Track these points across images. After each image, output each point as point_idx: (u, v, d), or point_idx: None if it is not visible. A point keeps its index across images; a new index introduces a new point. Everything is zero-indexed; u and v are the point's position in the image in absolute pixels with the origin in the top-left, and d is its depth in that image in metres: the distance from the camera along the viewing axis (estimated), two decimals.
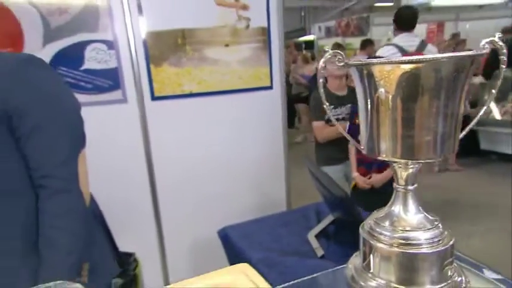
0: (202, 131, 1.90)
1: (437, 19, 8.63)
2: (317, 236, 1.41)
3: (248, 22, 1.84)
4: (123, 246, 1.17)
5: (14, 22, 1.47)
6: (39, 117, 0.80)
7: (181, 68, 1.77)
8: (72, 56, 1.58)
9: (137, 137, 1.75)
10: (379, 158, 0.44)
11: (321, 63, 0.43)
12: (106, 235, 1.08)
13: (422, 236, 0.45)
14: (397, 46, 2.38)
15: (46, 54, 1.52)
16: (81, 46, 1.58)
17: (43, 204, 0.81)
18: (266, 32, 1.90)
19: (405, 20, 2.46)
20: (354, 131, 1.84)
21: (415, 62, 0.39)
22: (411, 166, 0.44)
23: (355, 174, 1.82)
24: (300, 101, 5.59)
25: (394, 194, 0.48)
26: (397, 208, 0.47)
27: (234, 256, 1.54)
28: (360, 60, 0.42)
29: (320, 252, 1.29)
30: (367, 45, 4.90)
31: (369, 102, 0.42)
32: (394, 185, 0.47)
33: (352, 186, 1.87)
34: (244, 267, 0.55)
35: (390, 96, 0.40)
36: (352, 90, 2.12)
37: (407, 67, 0.39)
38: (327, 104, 0.48)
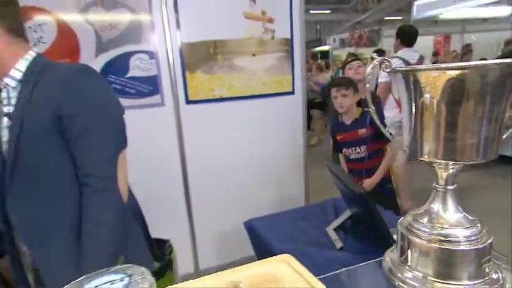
0: (231, 132, 1.90)
1: (444, 31, 8.36)
2: (335, 229, 1.39)
3: (273, 34, 1.84)
4: (159, 234, 1.18)
5: (73, 37, 1.53)
6: (86, 121, 0.80)
7: (213, 75, 1.79)
8: (119, 65, 1.62)
9: (173, 136, 1.77)
10: (421, 159, 0.43)
11: (369, 68, 0.42)
12: (143, 229, 1.06)
13: (461, 233, 0.43)
14: (401, 58, 2.47)
15: (98, 64, 1.57)
16: (127, 56, 1.62)
17: (86, 201, 0.81)
18: (289, 42, 1.89)
19: (408, 37, 2.59)
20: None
21: (462, 68, 0.37)
22: (452, 167, 0.43)
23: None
24: (313, 106, 5.51)
25: (433, 193, 0.46)
26: (436, 206, 0.45)
27: (260, 246, 1.53)
28: (407, 67, 0.40)
29: (339, 244, 1.27)
30: (380, 55, 4.81)
31: (413, 107, 0.41)
32: (434, 184, 0.46)
33: None
34: (286, 257, 0.53)
35: (435, 101, 0.39)
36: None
37: (454, 73, 0.37)
38: (373, 107, 0.47)
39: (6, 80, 0.80)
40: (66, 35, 1.52)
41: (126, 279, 0.42)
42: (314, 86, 5.57)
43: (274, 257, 0.53)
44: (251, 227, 1.64)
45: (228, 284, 0.49)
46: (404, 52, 2.56)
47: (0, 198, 0.85)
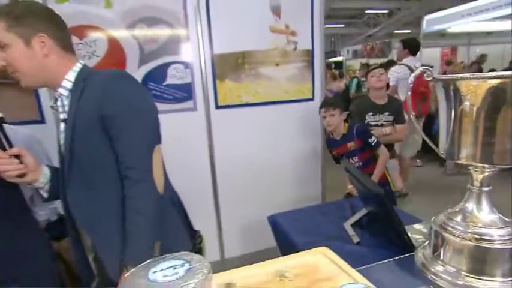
0: (255, 134, 1.91)
1: (451, 44, 8.13)
2: (352, 226, 1.37)
3: (296, 45, 1.84)
4: None
5: (120, 51, 1.60)
6: (123, 120, 0.81)
7: (240, 83, 1.81)
8: (158, 74, 1.67)
9: (203, 138, 1.81)
10: (458, 161, 0.42)
11: (411, 77, 0.42)
12: (183, 218, 1.06)
13: (495, 233, 0.42)
14: (406, 65, 2.69)
15: (140, 73, 1.63)
16: (165, 66, 1.67)
17: (127, 191, 0.83)
18: (310, 53, 1.89)
19: (412, 48, 2.84)
20: (331, 143, 1.81)
21: (502, 77, 0.36)
22: (488, 170, 0.41)
23: (350, 186, 1.78)
24: None
25: (468, 194, 0.44)
26: (470, 206, 0.44)
27: (282, 239, 1.53)
28: (448, 76, 0.40)
29: (356, 239, 1.26)
30: (391, 65, 4.77)
31: (452, 113, 0.40)
32: (468, 185, 0.44)
33: (345, 195, 1.81)
34: (323, 250, 0.53)
35: (475, 108, 0.38)
36: (391, 100, 2.03)
37: (495, 82, 0.36)
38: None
39: (60, 90, 0.84)
40: (115, 49, 1.59)
41: (187, 265, 0.43)
42: (328, 93, 5.53)
43: (312, 249, 0.53)
44: (274, 221, 1.64)
45: (274, 272, 0.49)
46: (409, 60, 2.75)
47: (62, 191, 0.88)
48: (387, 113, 1.93)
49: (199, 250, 1.24)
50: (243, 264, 0.66)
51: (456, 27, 6.10)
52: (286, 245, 1.47)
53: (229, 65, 1.76)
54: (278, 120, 1.93)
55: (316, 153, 2.10)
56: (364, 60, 6.92)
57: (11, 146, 0.84)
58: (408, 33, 8.20)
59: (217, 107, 1.79)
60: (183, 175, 1.76)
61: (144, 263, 0.45)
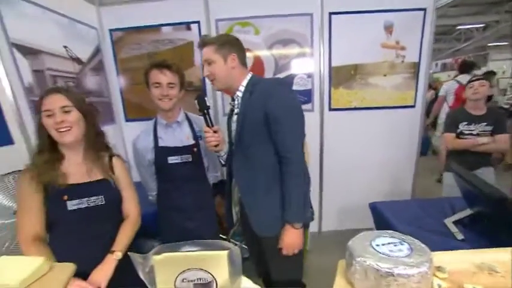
0: (361, 133, 2.23)
1: None
2: (453, 223, 1.45)
3: (403, 58, 2.11)
4: None
5: (261, 65, 2.17)
6: (282, 117, 0.98)
7: (351, 90, 2.17)
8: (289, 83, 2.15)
9: (316, 134, 2.23)
10: None
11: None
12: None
13: None
14: (457, 81, 3.32)
15: None
16: (292, 76, 2.17)
17: (286, 168, 1.02)
18: (416, 65, 2.12)
19: (466, 68, 3.44)
20: None
21: None
22: None
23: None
24: None
25: None
26: None
27: (383, 225, 1.69)
28: None
29: (460, 236, 1.32)
30: (490, 75, 4.67)
31: None
32: None
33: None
34: None
35: None
36: (490, 110, 2.03)
37: None
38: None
39: (238, 93, 1.11)
40: (257, 64, 2.17)
41: (405, 243, 0.46)
42: None
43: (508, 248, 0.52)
44: (375, 207, 1.85)
45: (480, 265, 0.49)
46: (461, 77, 3.31)
47: (229, 161, 1.19)
48: (484, 123, 1.93)
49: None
50: (338, 238, 0.84)
51: None
52: (386, 229, 1.67)
53: (343, 75, 2.15)
54: (381, 122, 2.21)
55: (412, 156, 2.29)
56: (453, 73, 6.52)
57: (212, 125, 1.14)
58: (505, 45, 7.25)
59: (330, 109, 2.19)
60: None
61: (361, 235, 0.50)
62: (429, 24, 2.04)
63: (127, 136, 2.33)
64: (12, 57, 1.41)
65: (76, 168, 0.99)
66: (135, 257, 0.40)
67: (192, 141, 1.35)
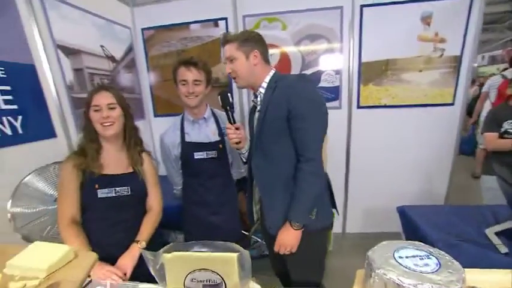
0: (390, 132, 2.12)
1: None
2: (496, 234, 1.31)
3: (442, 52, 1.95)
4: None
5: (287, 61, 2.13)
6: (304, 112, 0.97)
7: (381, 87, 2.06)
8: (314, 79, 2.11)
9: (344, 133, 2.16)
10: None
11: None
12: (330, 194, 1.21)
13: None
14: (502, 76, 3.11)
15: None
16: (320, 73, 2.11)
17: (302, 165, 1.00)
18: (458, 59, 1.95)
19: None
20: None
21: None
22: None
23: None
24: None
25: None
26: None
27: (411, 230, 1.61)
28: None
29: (504, 249, 1.21)
30: None
31: None
32: None
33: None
34: None
35: None
36: None
37: None
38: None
39: (260, 89, 1.09)
40: (284, 60, 2.14)
41: (433, 257, 0.42)
42: None
43: None
44: (403, 211, 1.75)
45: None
46: (508, 72, 3.09)
47: (249, 158, 1.17)
48: None
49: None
50: (362, 240, 0.78)
51: None
52: (415, 236, 1.54)
53: (374, 72, 2.05)
54: (414, 121, 2.07)
55: (448, 157, 2.12)
56: (503, 66, 5.70)
57: (234, 122, 1.14)
58: None
59: (358, 106, 2.11)
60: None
61: (382, 245, 0.45)
62: (476, 13, 1.84)
63: (155, 131, 2.43)
64: (56, 57, 1.53)
65: (111, 160, 1.09)
66: (146, 254, 0.42)
67: (217, 138, 1.38)
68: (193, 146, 1.34)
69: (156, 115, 2.47)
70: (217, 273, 0.39)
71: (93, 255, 0.50)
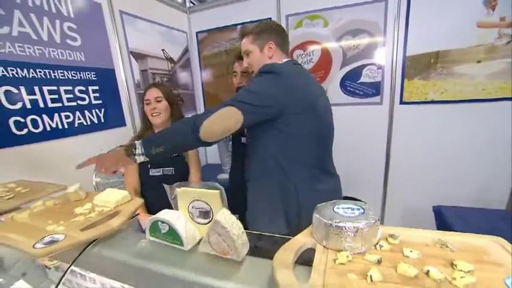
0: (435, 130, 1.98)
1: None
2: None
3: (510, 39, 1.73)
4: (358, 195, 1.39)
5: (328, 57, 2.16)
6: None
7: (429, 81, 1.93)
8: (354, 74, 2.10)
9: (384, 128, 2.09)
10: None
11: None
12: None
13: None
14: None
15: (341, 73, 2.14)
16: (361, 68, 2.08)
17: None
18: None
19: None
20: None
21: None
22: None
23: None
24: None
25: None
26: None
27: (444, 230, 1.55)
28: None
29: None
30: None
31: None
32: None
33: None
34: (499, 239, 0.50)
35: None
36: None
37: None
38: None
39: None
40: (325, 55, 2.17)
41: (361, 209, 0.52)
42: None
43: (486, 236, 0.51)
44: (439, 211, 1.68)
45: (436, 240, 0.50)
46: None
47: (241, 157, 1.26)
48: None
49: None
50: None
51: None
52: None
53: (421, 65, 1.92)
54: (467, 119, 1.89)
55: (508, 158, 1.87)
56: None
57: None
58: None
59: (401, 102, 2.01)
60: (360, 157, 2.18)
61: (331, 201, 0.56)
62: None
63: None
64: (129, 62, 1.91)
65: None
66: (167, 188, 0.61)
67: None
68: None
69: (205, 109, 2.78)
70: (207, 203, 0.56)
71: (140, 200, 0.74)
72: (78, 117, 1.54)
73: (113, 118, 1.78)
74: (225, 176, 1.86)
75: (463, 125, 1.92)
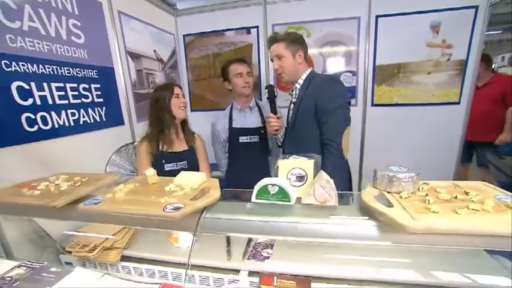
0: (401, 128, 2.37)
1: None
2: None
3: (449, 56, 2.18)
4: None
5: (310, 63, 2.40)
6: (330, 108, 1.13)
7: (393, 87, 2.31)
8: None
9: (359, 128, 2.42)
10: None
11: None
12: (349, 177, 1.42)
13: None
14: None
15: None
16: (339, 74, 2.39)
17: (325, 157, 1.14)
18: (463, 63, 2.18)
19: None
20: None
21: None
22: None
23: None
24: None
25: None
26: None
27: None
28: None
29: None
30: None
31: None
32: None
33: None
34: (482, 183, 0.71)
35: None
36: None
37: None
38: None
39: (296, 85, 1.27)
40: (308, 62, 2.44)
41: (405, 168, 0.73)
42: None
43: (477, 181, 0.71)
44: None
45: (451, 184, 0.70)
46: None
47: (283, 144, 1.41)
48: None
49: None
50: None
51: None
52: None
53: (387, 74, 2.30)
54: (423, 118, 2.31)
55: (453, 153, 2.34)
56: None
57: (276, 112, 1.34)
58: None
59: (372, 104, 2.37)
60: None
61: (383, 165, 0.82)
62: (481, 22, 2.06)
63: (192, 125, 2.78)
64: (127, 61, 1.91)
65: (175, 139, 1.44)
66: (270, 160, 0.76)
67: (260, 125, 1.66)
68: (239, 131, 1.66)
69: (192, 110, 2.83)
70: (303, 170, 0.72)
71: (215, 179, 0.85)
72: (83, 114, 1.52)
73: (113, 117, 1.77)
74: (219, 173, 1.95)
75: (420, 123, 2.34)
